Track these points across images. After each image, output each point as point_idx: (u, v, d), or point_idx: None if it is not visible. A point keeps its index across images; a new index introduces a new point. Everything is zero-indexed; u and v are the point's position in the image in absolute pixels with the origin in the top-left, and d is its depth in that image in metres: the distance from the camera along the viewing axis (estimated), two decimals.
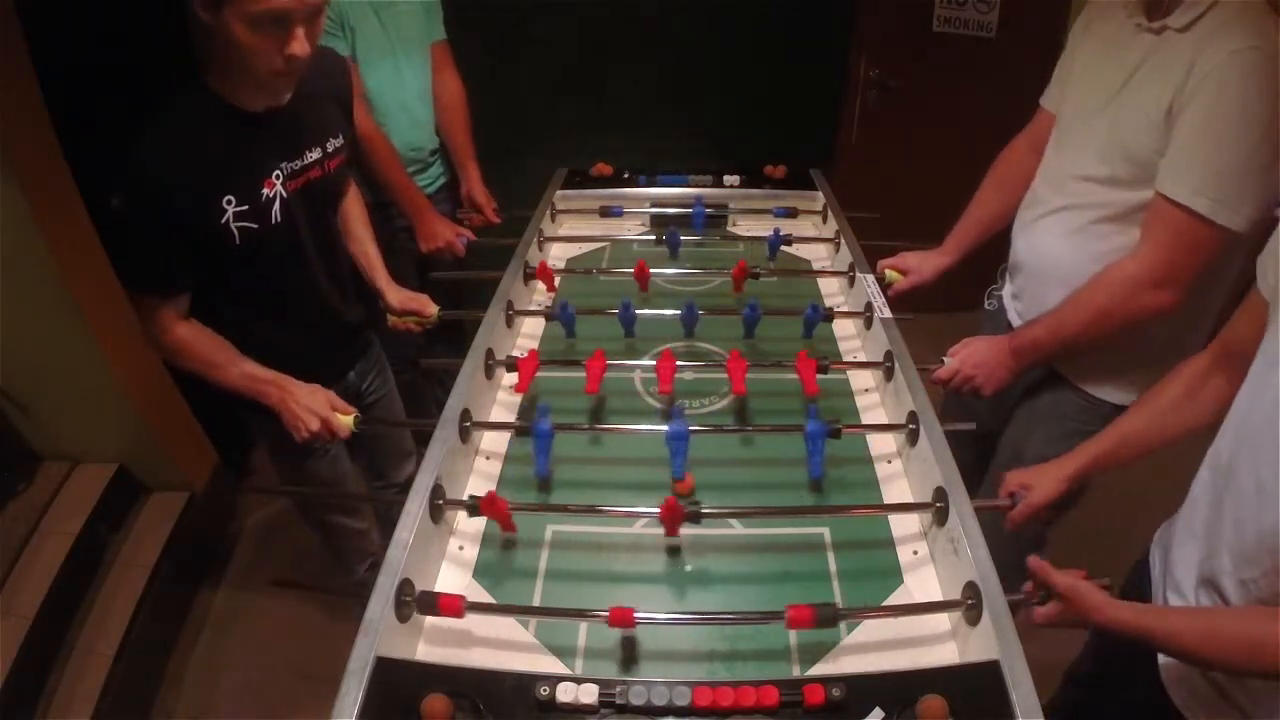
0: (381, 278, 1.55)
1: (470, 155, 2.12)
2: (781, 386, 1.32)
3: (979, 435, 1.63)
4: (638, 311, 1.44)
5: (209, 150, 1.12)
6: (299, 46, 1.05)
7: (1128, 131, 1.19)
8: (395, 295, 1.54)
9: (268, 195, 1.19)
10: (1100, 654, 1.31)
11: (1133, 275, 1.17)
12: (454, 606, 0.86)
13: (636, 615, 0.86)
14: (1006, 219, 1.51)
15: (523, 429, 1.16)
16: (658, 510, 1.00)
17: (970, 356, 1.36)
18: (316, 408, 1.24)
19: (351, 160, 1.44)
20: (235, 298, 1.27)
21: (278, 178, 1.20)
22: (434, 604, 0.87)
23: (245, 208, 1.16)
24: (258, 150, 1.18)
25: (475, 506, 1.00)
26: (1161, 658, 1.01)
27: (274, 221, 1.21)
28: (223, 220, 1.14)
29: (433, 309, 1.53)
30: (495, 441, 1.24)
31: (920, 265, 1.60)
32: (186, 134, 1.11)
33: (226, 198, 1.14)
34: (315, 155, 1.27)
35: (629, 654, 0.91)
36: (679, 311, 1.44)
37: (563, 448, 1.21)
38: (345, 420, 1.26)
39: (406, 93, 1.96)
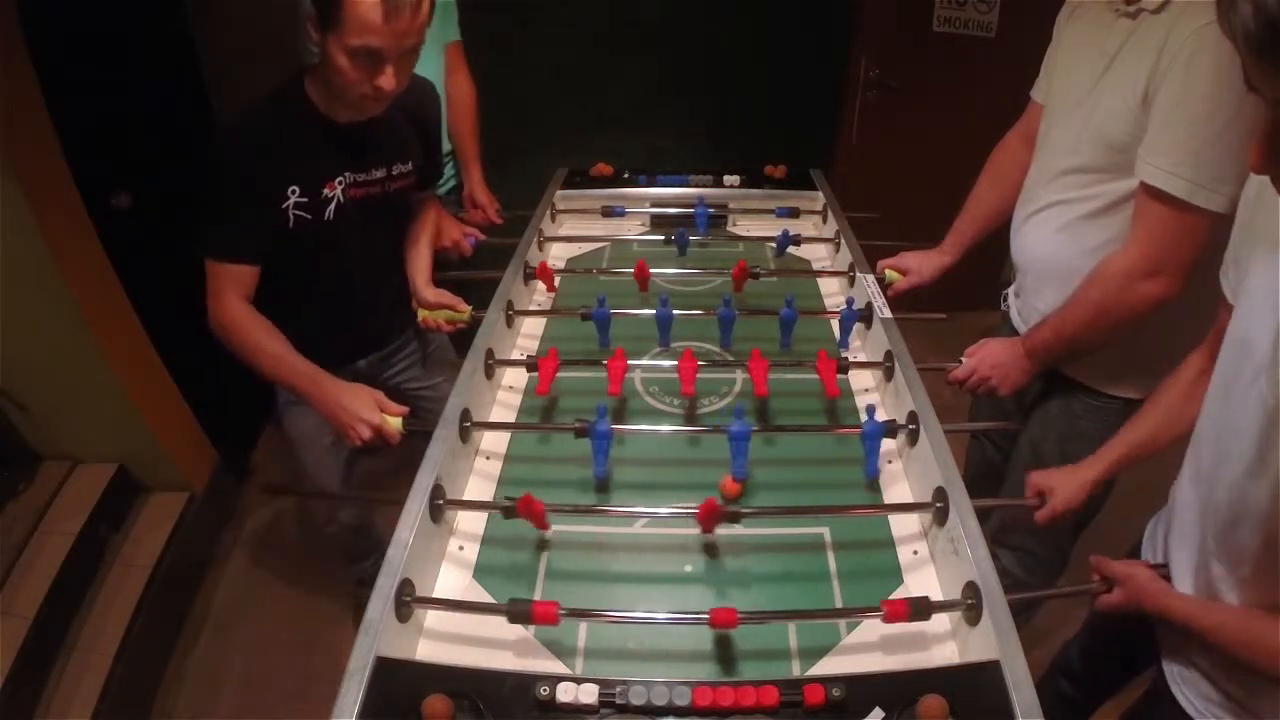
0: (421, 275, 1.58)
1: (475, 156, 2.14)
2: (786, 387, 1.32)
3: (1007, 434, 1.65)
4: (642, 312, 1.43)
5: (287, 145, 1.27)
6: (387, 81, 1.18)
7: (1107, 119, 1.18)
8: (430, 292, 1.56)
9: (327, 195, 1.32)
10: (1091, 652, 1.31)
11: (1124, 268, 1.17)
12: (549, 614, 0.86)
13: (636, 615, 0.85)
14: (1004, 215, 1.51)
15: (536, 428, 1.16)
16: (656, 510, 1.00)
17: (988, 357, 1.36)
18: (365, 414, 1.25)
19: (422, 186, 1.54)
20: (282, 280, 1.36)
21: (340, 183, 1.34)
22: (528, 613, 0.87)
23: (305, 199, 1.30)
24: (329, 155, 1.32)
25: (513, 509, 0.98)
26: (1165, 660, 1.01)
27: (327, 218, 1.33)
28: (284, 205, 1.29)
29: (465, 307, 1.53)
30: (495, 441, 1.24)
31: (920, 265, 1.60)
32: (274, 125, 1.27)
33: (291, 187, 1.29)
34: (379, 174, 1.39)
35: (629, 654, 0.91)
36: (697, 311, 1.46)
37: (563, 448, 1.22)
38: (395, 423, 1.26)
39: None
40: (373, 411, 1.25)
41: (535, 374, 1.36)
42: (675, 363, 1.31)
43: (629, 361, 1.29)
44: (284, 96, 1.29)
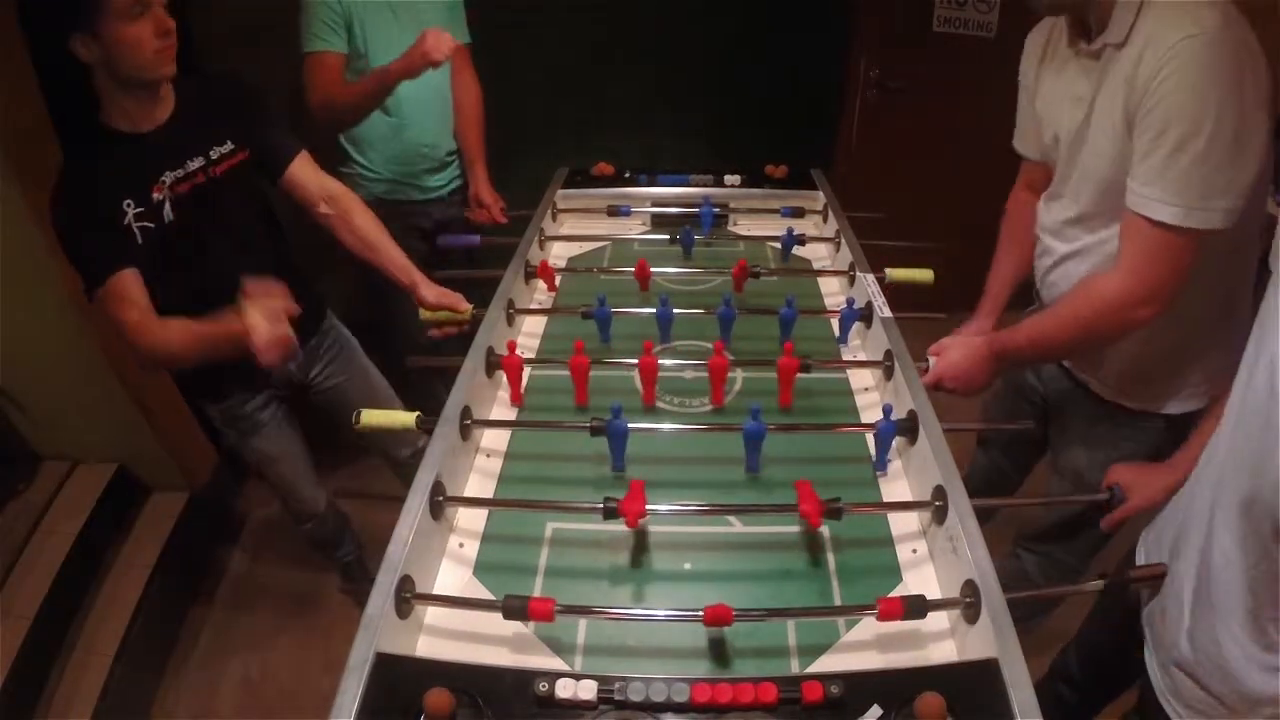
0: (416, 275, 1.58)
1: (480, 157, 2.16)
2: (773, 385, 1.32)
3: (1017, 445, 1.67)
4: (643, 310, 1.43)
5: (107, 167, 1.34)
6: (164, 20, 1.26)
7: (1102, 163, 1.18)
8: (430, 292, 1.56)
9: (158, 198, 1.37)
10: (1089, 657, 1.31)
11: (1119, 294, 1.15)
12: (544, 610, 0.86)
13: (632, 612, 0.85)
14: (1029, 267, 1.50)
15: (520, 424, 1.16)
16: (656, 508, 1.00)
17: (950, 369, 1.34)
18: (275, 330, 1.29)
19: (276, 167, 1.53)
20: (173, 310, 1.37)
21: (164, 183, 1.38)
22: (524, 609, 0.87)
23: (141, 209, 1.35)
24: (145, 162, 1.37)
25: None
26: (1151, 663, 1.01)
27: (167, 220, 1.38)
28: (125, 221, 1.34)
29: (466, 306, 1.53)
30: (496, 439, 1.24)
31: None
32: (90, 157, 1.35)
33: (126, 201, 1.33)
34: (198, 163, 1.43)
35: (628, 650, 0.91)
36: (698, 310, 1.45)
37: (562, 446, 1.22)
38: (408, 418, 1.25)
39: (423, 90, 1.97)
40: (276, 327, 1.29)
41: (535, 372, 1.36)
42: (675, 361, 1.32)
43: (624, 360, 1.29)
44: (87, 135, 1.34)
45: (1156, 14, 1.07)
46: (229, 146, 1.47)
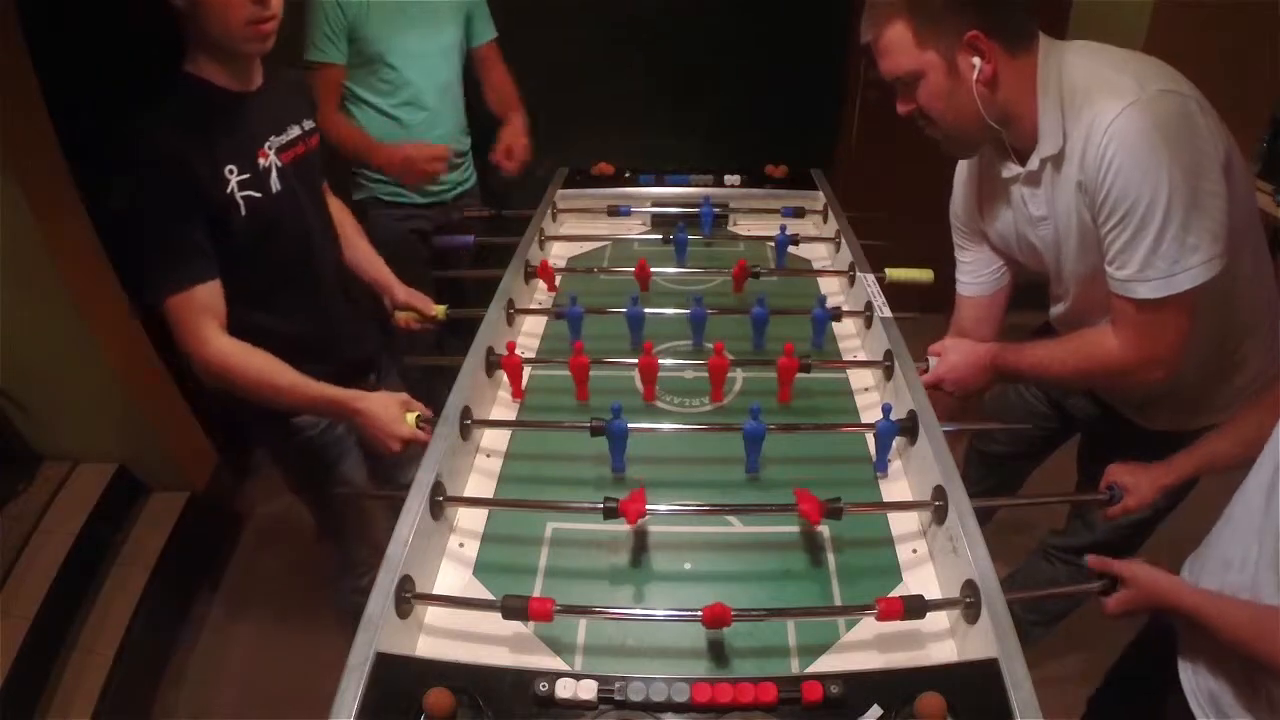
0: (390, 274, 1.59)
1: (515, 108, 2.15)
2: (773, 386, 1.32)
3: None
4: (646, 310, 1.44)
5: (204, 126, 1.15)
6: None
7: (1083, 263, 1.17)
8: (400, 292, 1.57)
9: (264, 165, 1.23)
10: (1123, 666, 1.30)
11: (1118, 361, 1.14)
12: (544, 610, 0.86)
13: (632, 611, 0.85)
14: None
15: (519, 424, 1.16)
16: (656, 507, 1.00)
17: (950, 372, 1.35)
18: (396, 427, 1.21)
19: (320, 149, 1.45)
20: (254, 283, 1.25)
21: (269, 148, 1.24)
22: (523, 609, 0.86)
23: (246, 176, 1.19)
24: (247, 124, 1.22)
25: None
26: (1184, 671, 1.00)
27: (274, 190, 1.24)
28: (228, 190, 1.17)
29: (433, 309, 1.55)
30: (496, 439, 1.24)
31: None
32: (180, 115, 1.15)
33: (228, 167, 1.17)
34: (297, 131, 1.32)
35: (628, 650, 0.91)
36: (685, 310, 1.43)
37: (562, 446, 1.22)
38: (411, 420, 1.21)
39: (429, 94, 1.97)
40: (401, 422, 1.21)
41: (535, 372, 1.36)
42: (675, 361, 1.31)
43: (624, 360, 1.29)
44: (174, 87, 1.17)
45: (1081, 108, 1.06)
46: (312, 123, 1.37)
